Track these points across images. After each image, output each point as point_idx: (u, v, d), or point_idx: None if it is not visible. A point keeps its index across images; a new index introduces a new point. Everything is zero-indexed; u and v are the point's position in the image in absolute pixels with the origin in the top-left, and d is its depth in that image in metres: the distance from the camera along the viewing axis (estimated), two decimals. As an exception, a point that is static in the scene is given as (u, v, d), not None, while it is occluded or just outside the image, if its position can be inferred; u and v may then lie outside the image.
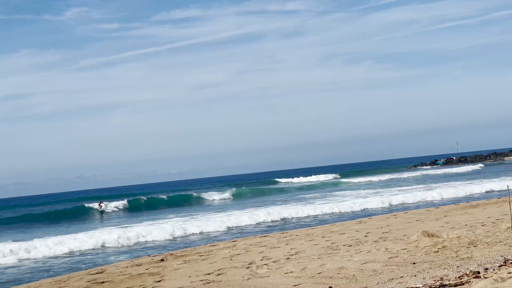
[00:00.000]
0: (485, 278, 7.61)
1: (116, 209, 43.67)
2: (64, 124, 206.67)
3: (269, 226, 22.14)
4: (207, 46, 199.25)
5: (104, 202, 45.51)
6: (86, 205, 44.96)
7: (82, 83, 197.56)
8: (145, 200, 47.20)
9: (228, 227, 22.46)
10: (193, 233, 21.45)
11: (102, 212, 42.11)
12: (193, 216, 29.40)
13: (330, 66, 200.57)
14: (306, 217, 24.60)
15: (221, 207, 36.30)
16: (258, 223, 23.46)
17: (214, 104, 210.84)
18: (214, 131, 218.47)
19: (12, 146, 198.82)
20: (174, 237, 20.75)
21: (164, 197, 48.51)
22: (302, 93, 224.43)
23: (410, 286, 7.94)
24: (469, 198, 27.21)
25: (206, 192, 52.35)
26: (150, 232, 21.09)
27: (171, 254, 14.09)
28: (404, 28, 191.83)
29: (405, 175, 63.57)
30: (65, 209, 44.27)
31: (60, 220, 36.76)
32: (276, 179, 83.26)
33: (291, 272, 9.91)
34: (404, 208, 25.13)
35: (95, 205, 44.08)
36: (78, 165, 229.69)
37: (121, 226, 26.26)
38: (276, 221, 23.92)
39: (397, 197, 29.73)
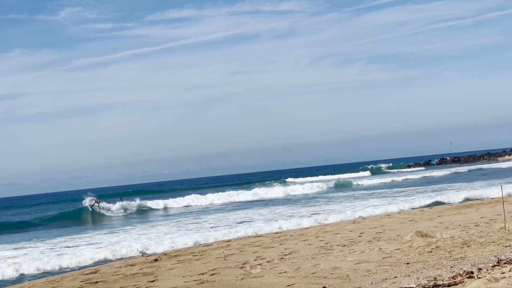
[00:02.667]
0: (478, 278, 7.63)
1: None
2: (56, 125, 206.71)
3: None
4: (200, 46, 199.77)
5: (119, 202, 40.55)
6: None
7: (75, 84, 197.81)
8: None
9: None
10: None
11: (95, 213, 37.71)
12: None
13: (322, 67, 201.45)
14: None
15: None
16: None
17: (207, 105, 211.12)
18: (207, 132, 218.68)
19: (4, 147, 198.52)
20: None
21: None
22: (294, 94, 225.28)
23: (404, 286, 7.95)
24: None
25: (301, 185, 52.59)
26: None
27: (165, 254, 14.06)
28: (397, 29, 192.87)
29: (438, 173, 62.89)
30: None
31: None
32: (285, 179, 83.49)
33: (285, 272, 9.90)
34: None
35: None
36: (70, 166, 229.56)
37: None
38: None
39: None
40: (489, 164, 73.02)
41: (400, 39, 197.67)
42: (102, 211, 39.05)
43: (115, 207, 39.76)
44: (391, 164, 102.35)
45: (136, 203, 41.31)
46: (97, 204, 39.79)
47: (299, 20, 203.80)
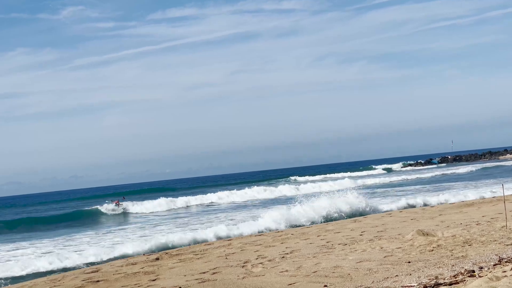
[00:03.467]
0: (480, 277, 7.62)
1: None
2: (58, 124, 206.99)
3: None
4: (202, 45, 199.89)
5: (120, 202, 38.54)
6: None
7: (77, 83, 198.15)
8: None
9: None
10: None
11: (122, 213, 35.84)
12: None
13: (324, 66, 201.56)
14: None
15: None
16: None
17: (208, 104, 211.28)
18: (208, 131, 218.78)
19: (6, 146, 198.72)
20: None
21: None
22: (295, 93, 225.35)
23: (405, 285, 7.94)
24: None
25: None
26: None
27: (166, 253, 14.06)
28: (399, 28, 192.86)
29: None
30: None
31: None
32: (292, 177, 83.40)
33: (286, 271, 9.90)
34: None
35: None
36: (71, 165, 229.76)
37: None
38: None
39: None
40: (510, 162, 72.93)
41: (401, 38, 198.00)
42: (129, 211, 37.34)
43: (151, 207, 38.10)
44: (402, 163, 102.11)
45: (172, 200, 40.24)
46: (118, 204, 37.94)
47: (301, 19, 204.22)
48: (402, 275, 8.63)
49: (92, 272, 12.19)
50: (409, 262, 9.54)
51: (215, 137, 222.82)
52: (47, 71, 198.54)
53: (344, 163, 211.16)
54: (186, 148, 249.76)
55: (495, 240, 11.01)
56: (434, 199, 26.26)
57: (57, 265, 15.66)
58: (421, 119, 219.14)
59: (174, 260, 12.73)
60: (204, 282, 9.70)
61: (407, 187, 42.01)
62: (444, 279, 7.99)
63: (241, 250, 13.19)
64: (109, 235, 23.97)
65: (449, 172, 60.61)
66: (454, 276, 8.11)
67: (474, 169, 61.02)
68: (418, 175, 59.54)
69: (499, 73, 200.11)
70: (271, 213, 21.79)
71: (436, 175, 57.19)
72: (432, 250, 10.52)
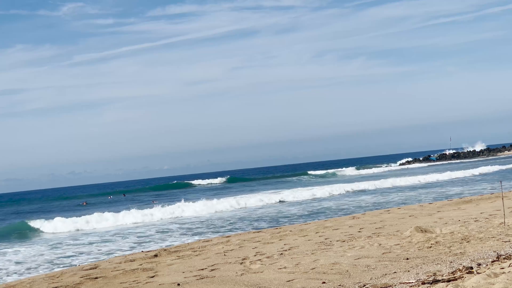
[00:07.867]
0: (478, 273, 7.62)
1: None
2: (56, 120, 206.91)
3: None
4: (201, 41, 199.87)
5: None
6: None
7: (76, 79, 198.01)
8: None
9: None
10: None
11: None
12: None
13: (324, 62, 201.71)
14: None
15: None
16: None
17: (208, 100, 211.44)
18: (207, 127, 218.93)
19: (4, 142, 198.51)
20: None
21: None
22: (295, 89, 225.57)
23: (403, 282, 7.95)
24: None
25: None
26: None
27: (165, 250, 14.06)
28: (399, 24, 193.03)
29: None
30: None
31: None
32: (308, 171, 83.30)
33: (285, 267, 9.90)
34: None
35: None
36: (70, 161, 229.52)
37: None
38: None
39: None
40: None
41: (401, 34, 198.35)
42: None
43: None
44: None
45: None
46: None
47: (301, 15, 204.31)
48: (400, 271, 8.64)
49: (91, 268, 12.18)
50: (407, 259, 9.56)
51: (214, 133, 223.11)
52: (47, 67, 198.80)
53: (344, 159, 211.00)
54: (185, 144, 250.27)
55: (493, 237, 11.02)
56: None
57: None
58: (419, 116, 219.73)
59: (172, 257, 12.73)
60: (202, 278, 9.70)
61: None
62: (442, 275, 7.99)
63: (240, 247, 13.20)
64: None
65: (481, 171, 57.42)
66: (452, 272, 8.11)
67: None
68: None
69: (498, 70, 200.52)
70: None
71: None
72: (430, 246, 10.54)
